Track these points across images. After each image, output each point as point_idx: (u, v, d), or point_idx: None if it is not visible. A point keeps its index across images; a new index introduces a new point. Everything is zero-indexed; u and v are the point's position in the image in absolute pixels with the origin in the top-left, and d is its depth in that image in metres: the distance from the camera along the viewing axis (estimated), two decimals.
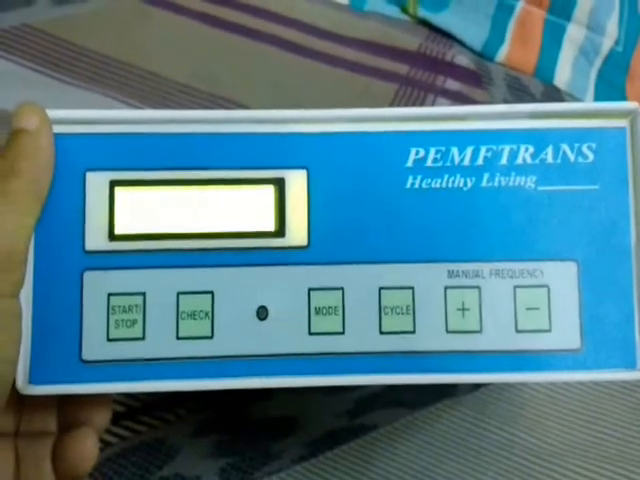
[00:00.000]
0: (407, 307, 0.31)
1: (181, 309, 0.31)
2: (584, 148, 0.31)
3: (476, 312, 0.31)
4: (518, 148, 0.31)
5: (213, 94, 0.63)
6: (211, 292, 0.31)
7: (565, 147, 0.31)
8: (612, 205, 0.31)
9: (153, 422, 0.46)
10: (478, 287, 0.31)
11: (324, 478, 0.45)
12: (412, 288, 0.31)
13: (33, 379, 0.31)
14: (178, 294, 0.31)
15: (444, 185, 0.31)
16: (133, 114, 0.31)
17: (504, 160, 0.31)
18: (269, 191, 0.32)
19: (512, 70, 0.64)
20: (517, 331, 0.31)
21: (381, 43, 0.64)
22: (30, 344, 0.31)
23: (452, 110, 0.32)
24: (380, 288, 0.31)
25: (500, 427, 0.47)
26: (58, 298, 0.31)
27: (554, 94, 0.65)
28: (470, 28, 0.64)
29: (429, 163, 0.31)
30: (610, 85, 0.64)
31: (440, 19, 0.64)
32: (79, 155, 0.31)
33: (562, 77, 0.64)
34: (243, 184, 0.32)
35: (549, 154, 0.31)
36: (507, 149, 0.31)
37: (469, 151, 0.31)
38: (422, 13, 0.64)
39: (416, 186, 0.31)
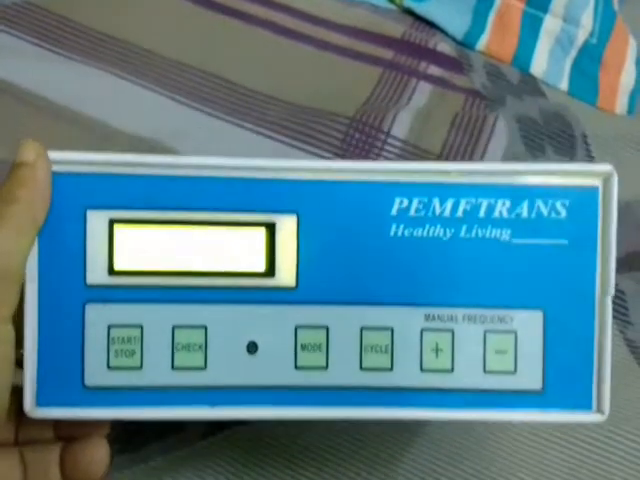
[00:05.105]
0: (386, 346, 0.31)
1: (176, 341, 0.31)
2: (558, 204, 0.31)
3: (449, 353, 0.31)
4: (495, 202, 0.31)
5: (205, 71, 0.61)
6: (204, 327, 0.31)
7: (540, 203, 0.31)
8: (580, 260, 0.31)
9: None
10: (452, 330, 0.31)
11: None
12: (391, 329, 0.31)
13: (39, 402, 0.31)
14: (173, 327, 0.31)
15: (425, 234, 0.31)
16: (133, 158, 0.30)
17: (482, 213, 0.31)
18: (261, 234, 0.31)
19: (491, 59, 0.62)
20: (485, 372, 0.31)
21: (368, 30, 0.62)
22: (36, 370, 0.31)
23: (435, 166, 0.31)
24: (362, 328, 0.31)
25: None
26: (62, 328, 0.31)
27: (530, 82, 0.64)
28: (452, 18, 0.62)
29: (412, 213, 0.31)
30: (584, 75, 0.63)
31: (424, 9, 0.62)
32: (80, 194, 0.30)
33: (538, 66, 0.62)
34: (236, 226, 0.31)
35: (524, 209, 0.31)
36: (485, 203, 0.31)
37: (450, 203, 0.31)
38: (407, 3, 0.62)
39: (399, 234, 0.31)
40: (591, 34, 0.62)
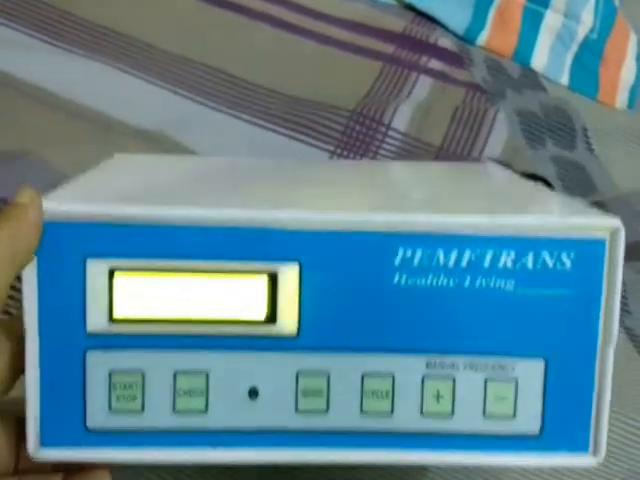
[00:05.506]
0: (387, 392, 0.30)
1: (178, 386, 0.30)
2: (563, 256, 0.30)
3: (449, 399, 0.30)
4: (500, 253, 0.30)
5: (207, 65, 0.59)
6: (206, 373, 0.30)
7: (545, 254, 0.30)
8: (584, 311, 0.30)
9: None
10: (453, 378, 0.30)
11: None
12: (392, 376, 0.30)
13: (42, 444, 0.30)
14: (175, 373, 0.30)
15: (428, 284, 0.30)
16: (133, 211, 0.29)
17: (486, 264, 0.30)
18: (262, 282, 0.30)
19: (492, 53, 0.60)
20: (485, 417, 0.31)
21: (368, 24, 0.60)
22: (39, 413, 0.30)
23: (440, 218, 0.30)
24: (363, 375, 0.30)
25: None
26: (64, 373, 0.30)
27: (531, 76, 0.62)
28: (453, 13, 0.60)
29: (416, 263, 0.30)
30: (585, 70, 0.61)
31: (425, 4, 0.60)
32: (79, 243, 0.29)
33: (539, 61, 0.61)
34: (238, 274, 0.30)
35: (529, 260, 0.30)
36: (490, 254, 0.30)
37: (454, 254, 0.30)
38: None
39: (402, 283, 0.30)
40: (592, 30, 0.61)
